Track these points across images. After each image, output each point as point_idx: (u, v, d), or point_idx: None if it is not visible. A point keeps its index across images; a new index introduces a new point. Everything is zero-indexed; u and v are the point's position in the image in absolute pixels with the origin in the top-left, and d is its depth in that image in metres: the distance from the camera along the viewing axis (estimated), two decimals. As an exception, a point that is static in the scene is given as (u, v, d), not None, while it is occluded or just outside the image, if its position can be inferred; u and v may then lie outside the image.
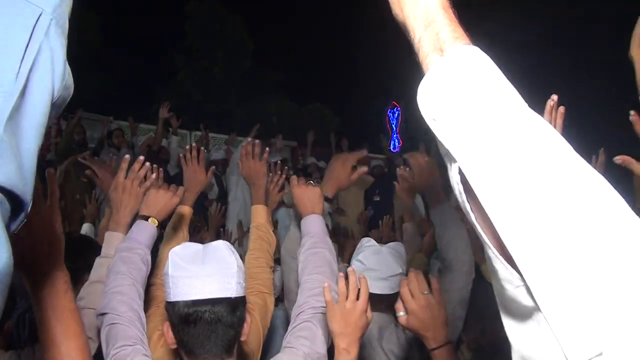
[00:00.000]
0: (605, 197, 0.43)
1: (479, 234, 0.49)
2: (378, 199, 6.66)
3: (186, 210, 1.85)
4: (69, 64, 0.50)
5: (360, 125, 15.28)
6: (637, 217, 0.43)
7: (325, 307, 1.31)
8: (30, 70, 0.43)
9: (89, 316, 1.51)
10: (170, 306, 1.16)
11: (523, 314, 0.47)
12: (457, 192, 0.50)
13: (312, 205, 1.58)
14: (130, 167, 1.63)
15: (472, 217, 0.49)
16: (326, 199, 1.71)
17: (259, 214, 1.86)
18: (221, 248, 1.20)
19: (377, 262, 1.73)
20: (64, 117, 7.66)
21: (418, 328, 1.27)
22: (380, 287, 1.69)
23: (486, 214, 0.46)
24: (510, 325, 0.51)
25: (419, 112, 0.56)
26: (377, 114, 13.48)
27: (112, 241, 1.55)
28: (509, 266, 0.46)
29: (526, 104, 0.49)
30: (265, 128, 11.31)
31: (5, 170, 0.40)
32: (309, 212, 1.57)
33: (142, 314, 1.32)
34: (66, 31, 0.49)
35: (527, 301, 0.45)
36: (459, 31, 0.55)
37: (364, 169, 1.84)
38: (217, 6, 11.52)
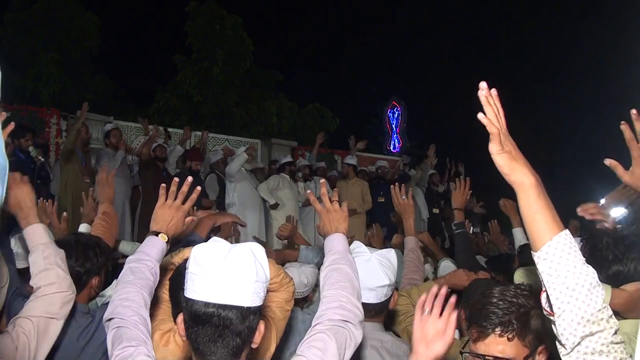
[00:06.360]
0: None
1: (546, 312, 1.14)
2: (383, 200, 6.73)
3: None
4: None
5: (360, 125, 15.29)
6: None
7: (343, 321, 1.32)
8: None
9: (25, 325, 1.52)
10: (185, 301, 1.17)
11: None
12: (543, 300, 1.13)
13: (337, 225, 1.61)
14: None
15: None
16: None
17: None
18: (246, 253, 1.16)
19: (365, 272, 1.71)
20: (64, 117, 7.64)
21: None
22: (366, 297, 1.69)
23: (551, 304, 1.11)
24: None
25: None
26: (377, 114, 13.47)
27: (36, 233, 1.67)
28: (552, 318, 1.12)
29: (591, 269, 1.09)
30: (265, 128, 11.32)
31: None
32: (332, 231, 1.60)
33: (148, 319, 1.33)
34: None
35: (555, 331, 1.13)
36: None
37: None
38: (217, 6, 11.51)
